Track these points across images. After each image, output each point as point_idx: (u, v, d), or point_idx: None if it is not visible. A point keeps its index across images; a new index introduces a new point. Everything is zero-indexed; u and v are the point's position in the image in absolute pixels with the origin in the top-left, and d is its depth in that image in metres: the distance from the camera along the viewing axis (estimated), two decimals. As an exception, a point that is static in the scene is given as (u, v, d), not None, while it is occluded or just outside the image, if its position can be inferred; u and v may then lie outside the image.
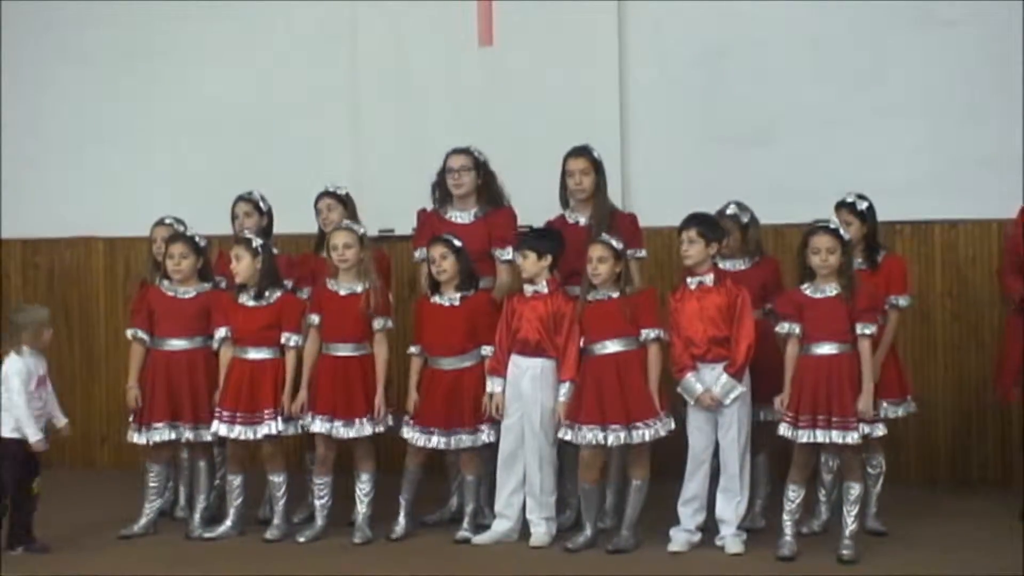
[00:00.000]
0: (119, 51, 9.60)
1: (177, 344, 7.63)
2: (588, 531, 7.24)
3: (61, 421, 7.52)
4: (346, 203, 7.89)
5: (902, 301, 7.40)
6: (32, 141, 9.70)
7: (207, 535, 7.56)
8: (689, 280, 7.16)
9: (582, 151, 7.57)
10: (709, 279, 7.12)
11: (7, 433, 7.29)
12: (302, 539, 7.46)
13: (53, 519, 8.07)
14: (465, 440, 7.39)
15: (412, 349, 7.54)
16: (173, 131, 9.53)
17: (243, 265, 7.50)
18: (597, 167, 7.56)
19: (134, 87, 9.58)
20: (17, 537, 7.35)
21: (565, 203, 7.66)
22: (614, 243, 7.18)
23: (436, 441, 7.39)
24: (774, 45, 8.73)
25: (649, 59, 8.91)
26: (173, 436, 7.60)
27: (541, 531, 7.32)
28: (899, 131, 8.56)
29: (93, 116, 9.65)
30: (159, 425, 7.58)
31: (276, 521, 7.57)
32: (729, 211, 7.49)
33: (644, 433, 7.09)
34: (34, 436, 7.26)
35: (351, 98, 9.25)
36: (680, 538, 7.15)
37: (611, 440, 7.10)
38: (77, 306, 9.62)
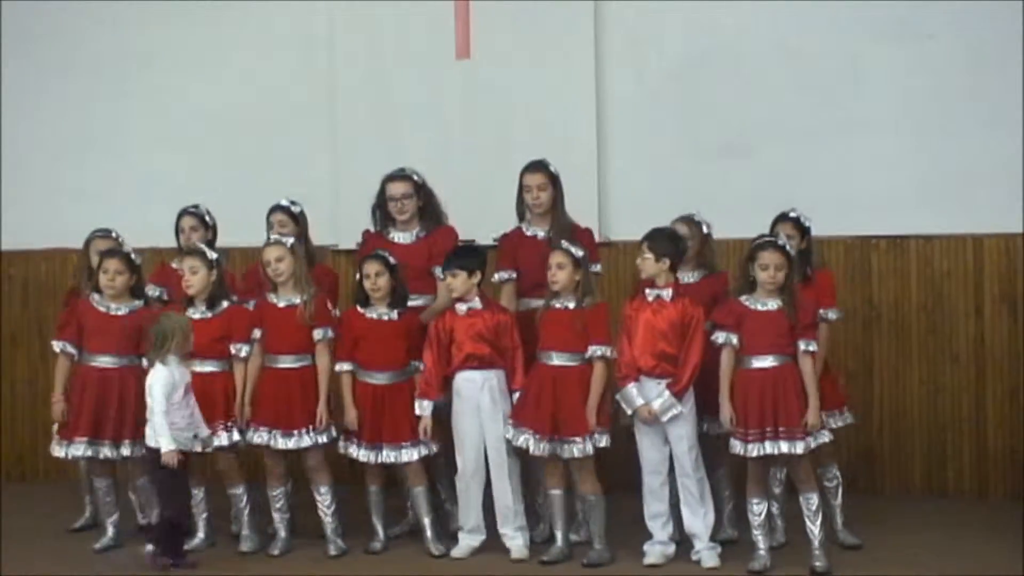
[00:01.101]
0: (95, 62, 9.57)
1: (107, 361, 7.53)
2: (559, 542, 7.25)
3: (204, 432, 7.28)
4: (298, 220, 7.85)
5: (832, 314, 7.39)
6: (7, 153, 9.66)
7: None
8: (648, 291, 7.15)
9: (539, 166, 7.61)
10: (667, 294, 7.11)
11: (155, 444, 7.10)
12: (275, 552, 7.44)
13: (28, 531, 8.06)
14: (411, 452, 7.37)
15: (345, 366, 7.46)
16: (150, 143, 9.50)
17: (199, 277, 7.45)
18: (554, 181, 7.60)
19: (110, 97, 9.55)
20: (170, 549, 7.18)
21: (521, 216, 7.70)
22: (574, 250, 7.19)
23: (386, 455, 7.38)
24: (752, 57, 8.75)
25: (626, 70, 8.92)
26: (91, 452, 7.52)
27: (519, 544, 7.33)
28: (876, 145, 8.58)
29: (69, 128, 9.62)
30: (80, 440, 7.50)
31: (245, 532, 7.55)
32: (696, 217, 7.48)
33: (572, 449, 7.10)
34: (167, 446, 7.03)
35: (330, 111, 9.24)
36: (655, 551, 7.15)
37: (535, 450, 7.14)
38: (52, 318, 9.52)
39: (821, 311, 7.30)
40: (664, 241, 7.14)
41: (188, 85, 9.46)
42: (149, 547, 7.10)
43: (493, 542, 7.39)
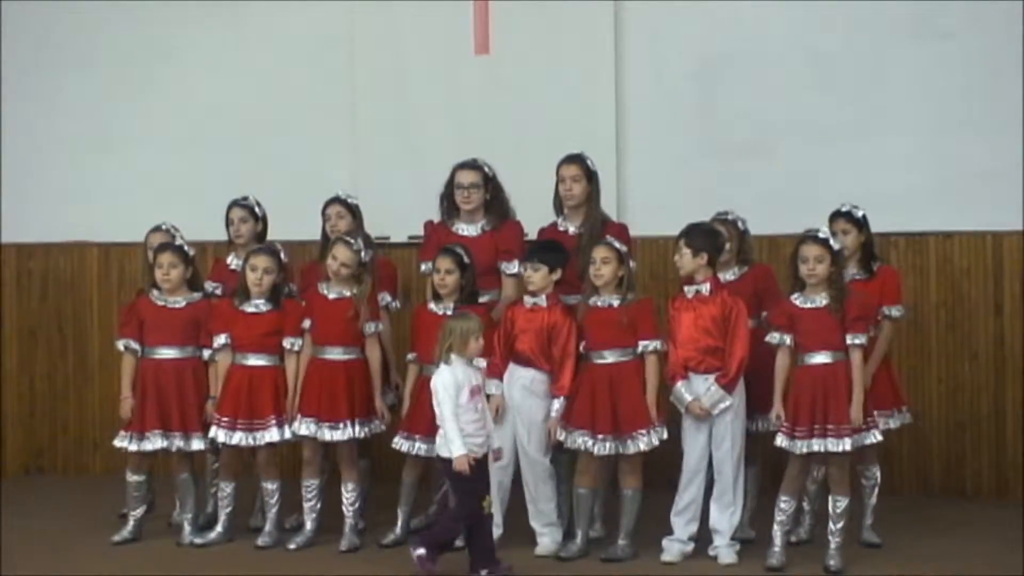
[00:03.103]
0: (116, 57, 9.58)
1: (166, 353, 7.57)
2: (579, 539, 7.24)
3: (494, 443, 7.00)
4: (355, 213, 7.90)
5: (895, 312, 7.39)
6: (28, 146, 9.68)
7: (198, 541, 7.55)
8: (687, 289, 7.15)
9: (575, 158, 7.59)
10: (706, 289, 7.10)
11: (447, 452, 6.83)
12: (292, 546, 7.44)
13: (46, 525, 8.09)
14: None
15: (409, 356, 7.54)
16: (170, 137, 9.51)
17: (271, 278, 7.45)
18: (590, 175, 7.58)
19: (131, 93, 9.57)
20: (481, 559, 6.89)
21: (559, 211, 7.67)
22: (617, 245, 7.18)
23: (418, 448, 7.37)
24: (771, 57, 8.73)
25: (646, 69, 8.90)
26: (165, 444, 7.55)
27: (547, 540, 7.33)
28: (895, 142, 8.56)
29: (90, 122, 9.63)
30: (152, 434, 7.53)
31: (268, 528, 7.55)
32: (730, 216, 7.51)
33: (638, 443, 7.09)
34: (457, 451, 6.74)
35: (349, 107, 9.25)
36: (673, 548, 7.14)
37: (598, 450, 7.10)
38: (71, 312, 9.60)
39: (885, 308, 7.32)
40: (700, 236, 7.13)
41: (208, 82, 9.47)
42: (421, 550, 6.73)
43: (513, 537, 7.37)
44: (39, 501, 8.80)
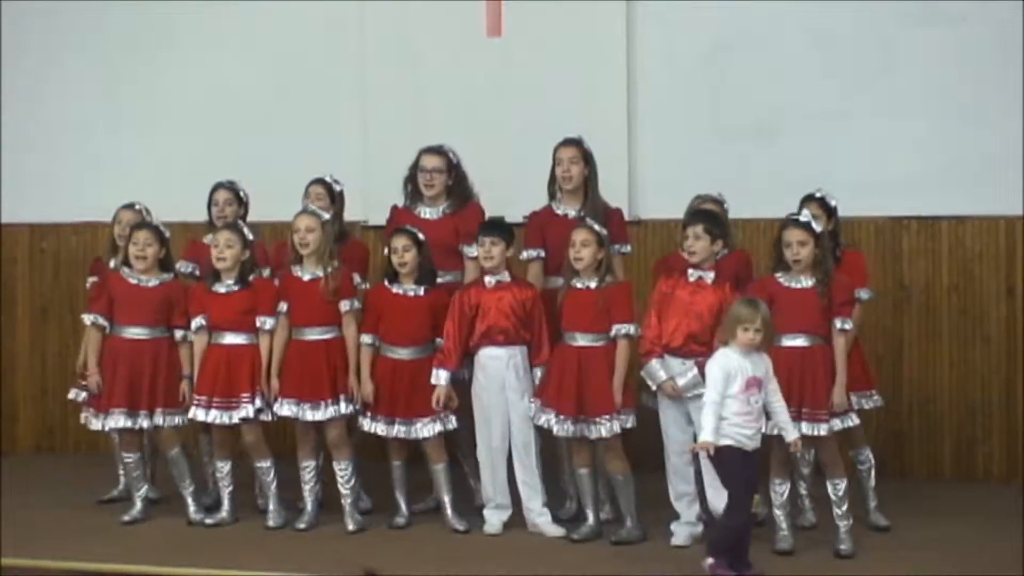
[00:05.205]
0: (125, 37, 9.60)
1: (139, 332, 7.59)
2: (591, 520, 7.25)
3: (791, 435, 6.66)
4: (335, 198, 7.91)
5: (863, 294, 7.37)
6: (40, 126, 9.71)
7: (208, 522, 7.58)
8: (690, 272, 7.11)
9: (572, 141, 7.59)
10: (709, 277, 7.08)
11: (723, 440, 6.55)
12: (301, 526, 7.47)
13: (57, 503, 8.11)
14: (429, 428, 7.38)
15: (366, 339, 7.47)
16: (179, 118, 9.53)
17: (232, 252, 7.50)
18: (587, 158, 7.57)
19: (141, 73, 9.59)
20: (735, 561, 6.52)
21: (552, 195, 7.67)
22: (596, 228, 7.18)
23: (397, 430, 7.39)
24: (780, 40, 8.72)
25: (657, 52, 8.89)
26: (130, 423, 7.56)
27: (548, 520, 7.35)
28: (906, 126, 8.54)
29: (100, 101, 9.66)
30: (117, 411, 7.54)
31: (272, 507, 7.57)
32: (717, 196, 7.49)
33: (599, 429, 7.07)
34: (703, 437, 6.45)
35: (359, 88, 9.24)
36: (682, 532, 7.13)
37: (557, 431, 7.12)
38: (83, 291, 9.58)
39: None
40: (719, 223, 7.12)
41: (217, 62, 9.47)
42: (709, 560, 6.48)
43: (519, 518, 7.40)
44: (50, 479, 8.84)
